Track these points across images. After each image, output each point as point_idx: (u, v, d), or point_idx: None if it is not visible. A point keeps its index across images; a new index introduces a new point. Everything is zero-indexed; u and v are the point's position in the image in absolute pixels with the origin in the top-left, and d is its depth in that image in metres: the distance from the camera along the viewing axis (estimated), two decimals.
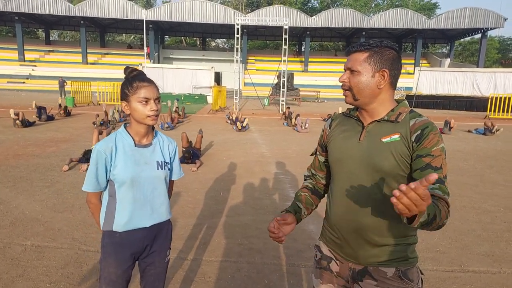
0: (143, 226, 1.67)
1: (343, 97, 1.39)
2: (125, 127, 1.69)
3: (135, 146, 1.66)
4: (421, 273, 1.37)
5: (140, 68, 29.65)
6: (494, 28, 35.64)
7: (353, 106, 1.44)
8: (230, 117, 13.79)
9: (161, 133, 1.82)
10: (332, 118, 1.54)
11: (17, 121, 10.36)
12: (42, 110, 12.24)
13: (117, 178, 1.60)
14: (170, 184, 1.88)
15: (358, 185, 1.33)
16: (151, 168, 1.67)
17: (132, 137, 1.66)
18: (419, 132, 1.24)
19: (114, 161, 1.61)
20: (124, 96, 1.63)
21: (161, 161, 1.71)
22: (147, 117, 1.60)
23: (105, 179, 1.63)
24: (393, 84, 1.34)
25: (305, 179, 1.65)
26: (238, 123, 11.77)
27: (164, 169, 1.71)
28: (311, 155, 1.61)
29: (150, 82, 1.63)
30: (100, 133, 7.34)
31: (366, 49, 1.30)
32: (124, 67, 1.73)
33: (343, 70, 1.38)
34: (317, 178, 1.58)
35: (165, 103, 18.21)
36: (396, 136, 1.27)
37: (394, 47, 1.32)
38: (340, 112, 1.56)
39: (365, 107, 1.36)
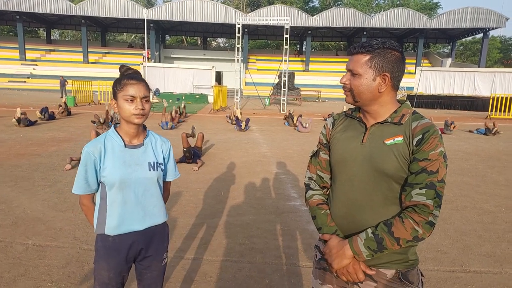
0: (136, 229, 1.62)
1: (344, 96, 1.38)
2: (115, 127, 1.64)
3: (125, 147, 1.61)
4: (422, 275, 1.36)
5: (141, 67, 29.72)
6: (496, 28, 35.61)
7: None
8: (231, 118, 13.75)
9: (154, 133, 1.76)
10: (334, 117, 1.51)
11: (21, 118, 10.44)
12: (44, 110, 12.55)
13: (106, 180, 1.56)
14: (166, 186, 1.80)
15: (359, 186, 1.32)
16: (142, 169, 1.61)
17: (121, 138, 1.61)
18: (420, 136, 1.24)
19: (103, 163, 1.56)
20: (114, 94, 1.60)
21: (153, 162, 1.65)
22: (132, 115, 1.55)
23: (95, 181, 1.59)
24: (395, 86, 1.33)
25: (309, 188, 1.51)
26: (237, 111, 11.82)
27: (157, 170, 1.65)
28: (311, 156, 1.53)
29: (139, 80, 1.58)
30: (97, 134, 7.33)
31: (368, 51, 1.28)
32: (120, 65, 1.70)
33: (345, 70, 1.37)
34: (324, 181, 1.49)
35: (161, 100, 18.06)
36: (399, 138, 1.27)
37: (397, 48, 1.29)
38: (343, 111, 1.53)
39: (366, 108, 1.35)
